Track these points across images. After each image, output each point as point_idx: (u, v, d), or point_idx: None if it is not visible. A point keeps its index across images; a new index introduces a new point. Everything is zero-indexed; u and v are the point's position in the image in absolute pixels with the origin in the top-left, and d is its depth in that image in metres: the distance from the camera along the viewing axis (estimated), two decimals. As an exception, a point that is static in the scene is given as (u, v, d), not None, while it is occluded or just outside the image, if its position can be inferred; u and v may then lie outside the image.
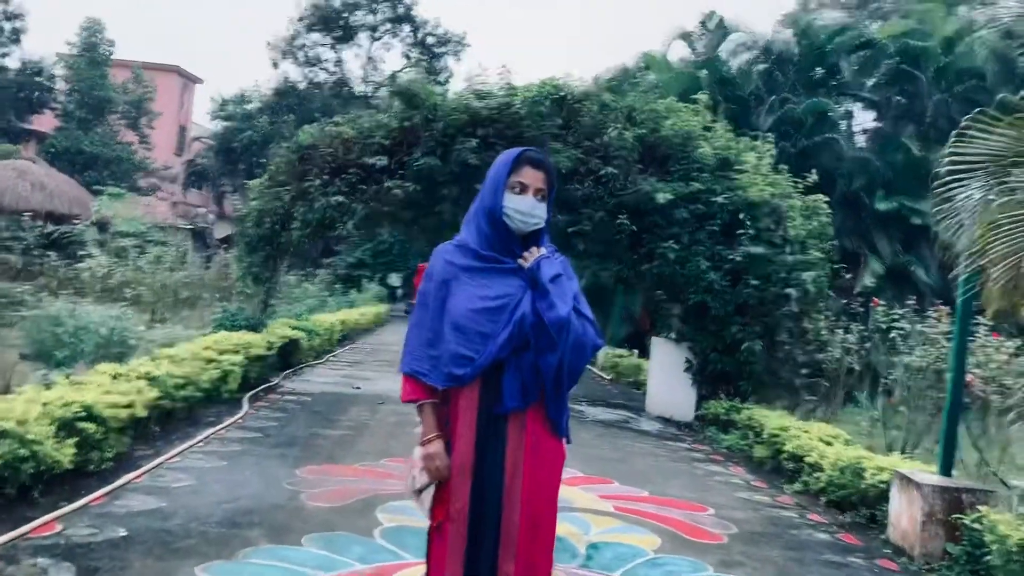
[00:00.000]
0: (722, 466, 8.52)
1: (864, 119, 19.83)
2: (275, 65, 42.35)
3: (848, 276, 14.43)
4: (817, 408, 10.67)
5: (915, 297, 16.76)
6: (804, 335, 10.79)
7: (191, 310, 16.47)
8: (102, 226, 22.17)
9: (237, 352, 9.37)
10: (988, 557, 5.16)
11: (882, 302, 12.38)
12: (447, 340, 2.56)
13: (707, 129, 10.97)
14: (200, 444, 6.93)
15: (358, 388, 11.07)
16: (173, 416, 7.59)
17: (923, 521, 5.65)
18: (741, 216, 10.29)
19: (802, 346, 10.76)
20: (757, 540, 5.80)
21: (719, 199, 10.27)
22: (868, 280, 16.12)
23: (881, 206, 17.04)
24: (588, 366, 17.68)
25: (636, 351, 16.27)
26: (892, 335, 11.22)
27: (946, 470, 5.91)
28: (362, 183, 10.60)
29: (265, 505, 5.39)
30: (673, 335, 11.38)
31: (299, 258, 21.63)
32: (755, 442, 9.04)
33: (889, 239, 17.25)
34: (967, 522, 5.47)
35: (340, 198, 10.45)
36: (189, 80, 48.80)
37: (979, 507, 5.49)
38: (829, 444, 7.90)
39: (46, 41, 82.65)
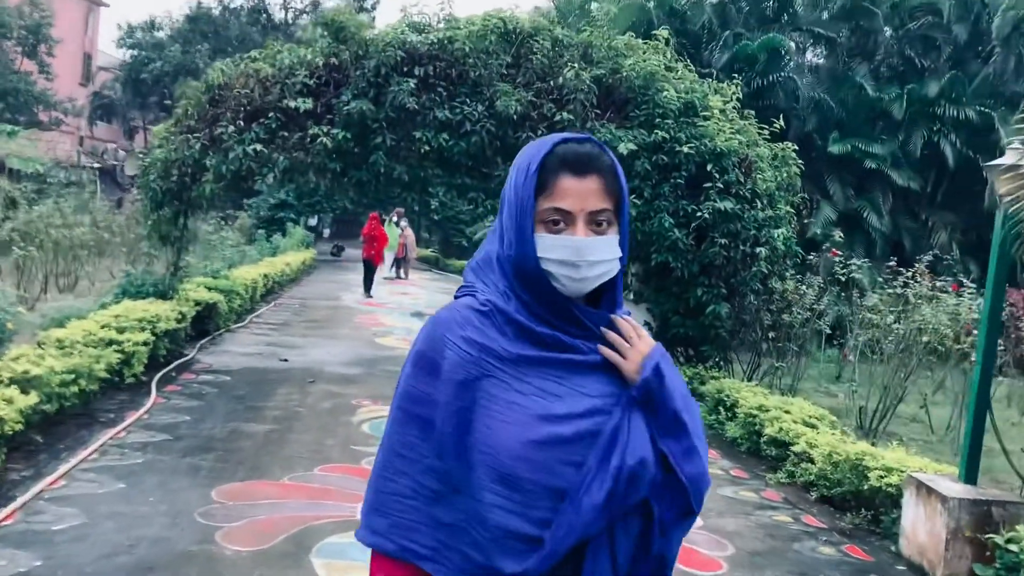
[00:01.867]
0: (694, 449, 7.71)
1: (815, 56, 19.03)
2: (186, -11, 39.49)
3: (808, 223, 13.81)
4: (782, 372, 9.99)
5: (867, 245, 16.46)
6: (771, 295, 10.03)
7: (100, 259, 14.97)
8: (-5, 168, 20.12)
9: (143, 329, 8.13)
10: (1030, 587, 4.46)
11: (840, 252, 11.80)
12: (480, 498, 1.33)
13: (669, 69, 9.92)
14: (93, 456, 5.77)
15: (285, 360, 9.92)
16: (63, 414, 6.39)
17: (948, 539, 4.92)
18: (708, 168, 9.35)
19: (768, 307, 10.00)
20: (760, 563, 5.00)
21: (684, 149, 9.28)
22: (820, 227, 15.48)
23: (834, 149, 16.35)
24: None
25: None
26: (863, 296, 10.62)
27: (971, 477, 5.17)
28: (283, 129, 9.27)
29: (171, 554, 4.32)
30: (631, 296, 10.50)
31: (217, 202, 20.09)
32: (727, 419, 8.28)
33: (841, 183, 16.64)
34: (1001, 543, 4.76)
35: (258, 147, 9.12)
36: (93, 3, 45.22)
37: (1017, 527, 4.77)
38: (813, 427, 7.18)
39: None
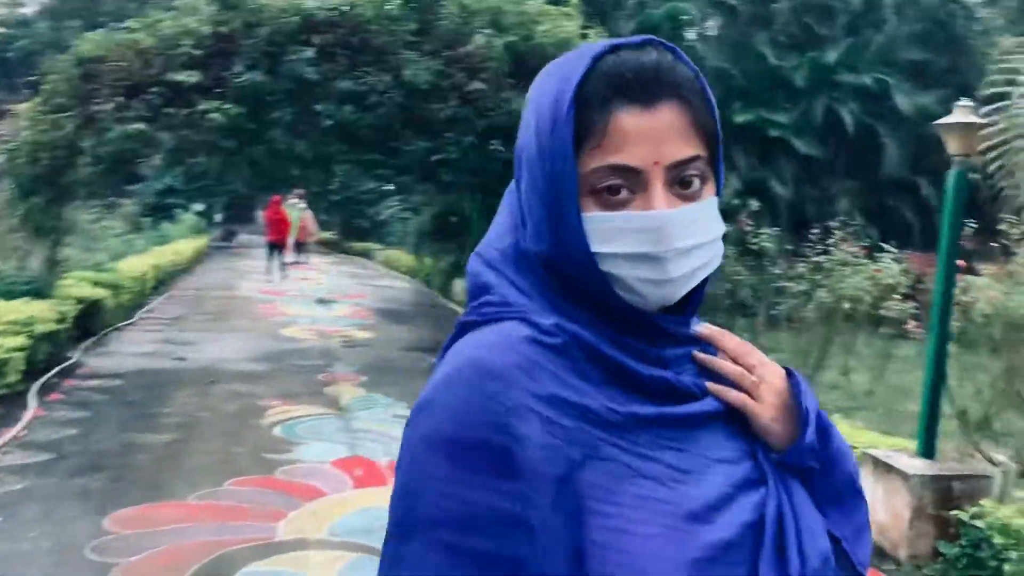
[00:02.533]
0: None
1: (716, 26, 19.01)
2: (52, -39, 36.84)
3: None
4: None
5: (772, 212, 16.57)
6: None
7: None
8: None
9: (17, 333, 7.24)
10: (1002, 563, 4.25)
11: (749, 222, 11.78)
12: None
13: (583, 36, 9.51)
14: (-40, 485, 4.99)
15: (182, 359, 9.11)
16: (-78, 437, 5.55)
17: (911, 518, 4.70)
18: (627, 138, 9.00)
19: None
20: (720, 558, 4.66)
21: (603, 118, 8.89)
22: (727, 196, 15.45)
23: (739, 118, 16.34)
24: (447, 301, 16.32)
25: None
26: (774, 264, 10.57)
27: (928, 450, 4.96)
28: (169, 105, 8.44)
29: (57, 602, 3.66)
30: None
31: (96, 188, 18.75)
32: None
33: (746, 153, 16.66)
34: (966, 519, 4.56)
35: (141, 126, 8.28)
36: (-54, -21, 41.76)
37: (982, 501, 4.58)
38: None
39: None
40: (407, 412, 4.83)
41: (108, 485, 5.11)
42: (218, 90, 8.45)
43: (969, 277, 10.34)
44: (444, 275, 17.31)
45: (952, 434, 6.16)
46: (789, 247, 12.83)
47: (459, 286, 15.67)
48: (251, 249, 27.92)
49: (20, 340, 7.19)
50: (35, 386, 7.29)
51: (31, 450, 5.71)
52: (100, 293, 10.18)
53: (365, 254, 26.82)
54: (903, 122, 17.27)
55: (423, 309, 15.30)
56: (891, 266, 9.03)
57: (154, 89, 8.35)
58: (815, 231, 9.63)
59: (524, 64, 9.11)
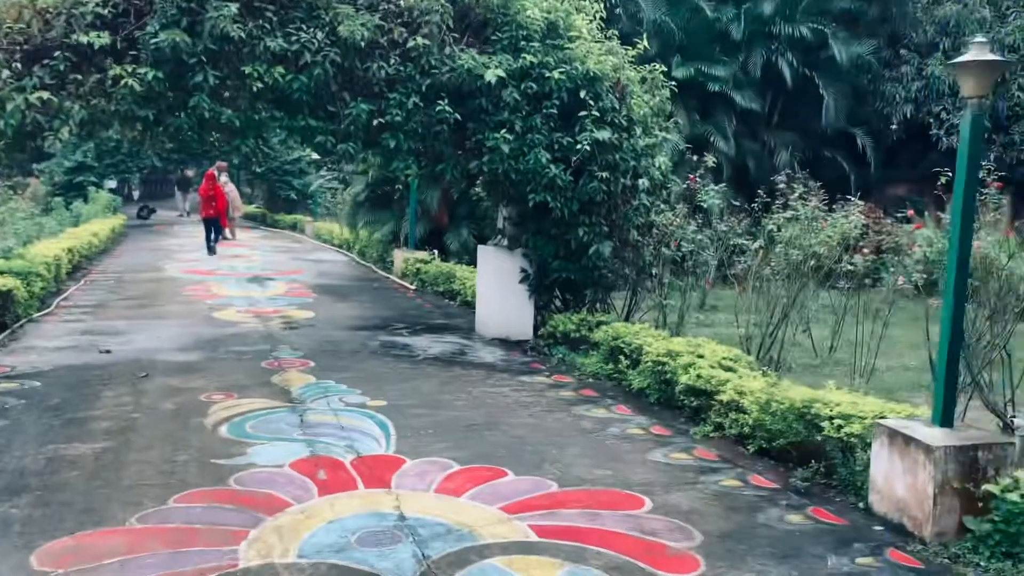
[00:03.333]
0: (603, 407, 6.94)
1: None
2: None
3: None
4: (669, 308, 9.44)
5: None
6: (651, 229, 9.39)
7: None
8: None
9: (-88, 334, 6.38)
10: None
11: (698, 180, 11.46)
12: None
13: (524, -11, 8.89)
14: None
15: (108, 351, 8.30)
16: None
17: (935, 493, 4.34)
18: (582, 94, 8.45)
19: (649, 242, 9.35)
20: (736, 550, 4.24)
21: (555, 74, 8.32)
22: (669, 155, 15.06)
23: (678, 73, 15.90)
24: (385, 273, 15.57)
25: (436, 251, 14.39)
26: (722, 220, 10.24)
27: (947, 419, 4.60)
28: (75, 71, 7.53)
29: (-22, 673, 3.01)
30: (505, 242, 9.52)
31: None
32: (628, 367, 7.55)
33: (687, 109, 16.27)
34: (997, 492, 4.22)
35: (45, 95, 7.35)
36: None
37: (1017, 473, 4.24)
38: (731, 371, 6.55)
39: None
40: (364, 399, 4.18)
41: (33, 511, 4.40)
42: (132, 53, 7.58)
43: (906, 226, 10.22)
44: (381, 246, 16.59)
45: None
46: (735, 203, 12.54)
47: (399, 258, 15.00)
48: (172, 227, 26.59)
49: (-82, 343, 6.35)
50: (-61, 394, 6.46)
51: (-62, 472, 4.95)
52: (10, 283, 9.26)
53: (294, 227, 25.80)
54: (840, 72, 17.12)
55: (363, 283, 14.60)
56: (858, 218, 8.74)
57: (58, 53, 7.43)
58: (748, 186, 9.33)
59: (466, 18, 8.47)
